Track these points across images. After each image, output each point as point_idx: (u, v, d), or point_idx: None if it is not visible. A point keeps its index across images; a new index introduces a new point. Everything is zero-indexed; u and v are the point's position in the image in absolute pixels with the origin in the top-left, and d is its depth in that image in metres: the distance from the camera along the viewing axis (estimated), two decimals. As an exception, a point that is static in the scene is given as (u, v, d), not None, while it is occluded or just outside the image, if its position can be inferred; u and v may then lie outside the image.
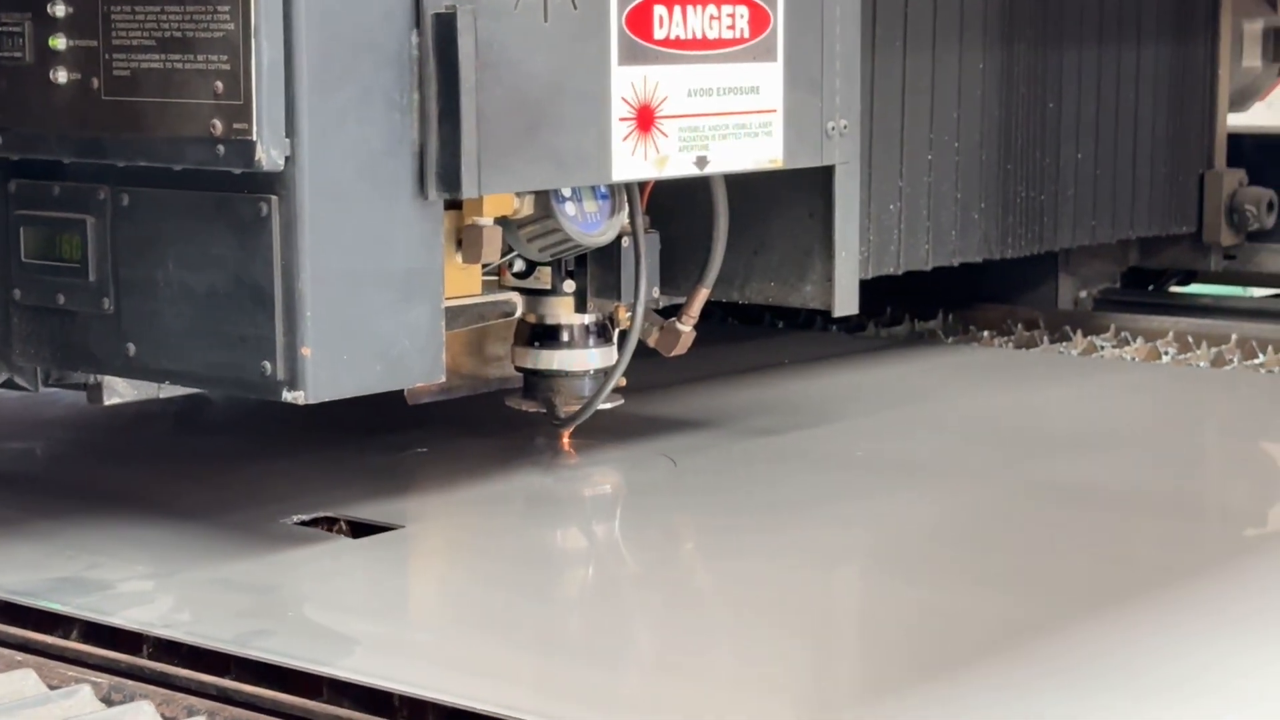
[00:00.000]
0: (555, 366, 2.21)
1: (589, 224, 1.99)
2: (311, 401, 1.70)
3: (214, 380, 1.77)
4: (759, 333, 3.21)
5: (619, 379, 2.14)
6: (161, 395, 2.05)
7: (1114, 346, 2.99)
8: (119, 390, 2.01)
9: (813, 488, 2.08)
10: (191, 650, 1.49)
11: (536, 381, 2.23)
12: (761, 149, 2.05)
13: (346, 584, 1.72)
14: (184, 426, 2.50)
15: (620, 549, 1.94)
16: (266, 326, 1.70)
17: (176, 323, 1.76)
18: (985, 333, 3.12)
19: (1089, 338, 3.01)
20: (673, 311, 2.27)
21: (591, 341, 2.22)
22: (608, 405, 2.21)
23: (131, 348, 1.80)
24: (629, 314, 2.20)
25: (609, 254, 2.16)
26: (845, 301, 2.25)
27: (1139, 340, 3.01)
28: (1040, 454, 2.25)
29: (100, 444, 2.43)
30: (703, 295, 2.22)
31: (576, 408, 2.20)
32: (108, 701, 1.39)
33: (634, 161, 1.85)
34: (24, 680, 1.40)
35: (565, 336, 2.21)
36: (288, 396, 1.70)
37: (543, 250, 2.01)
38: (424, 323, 1.78)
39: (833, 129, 2.15)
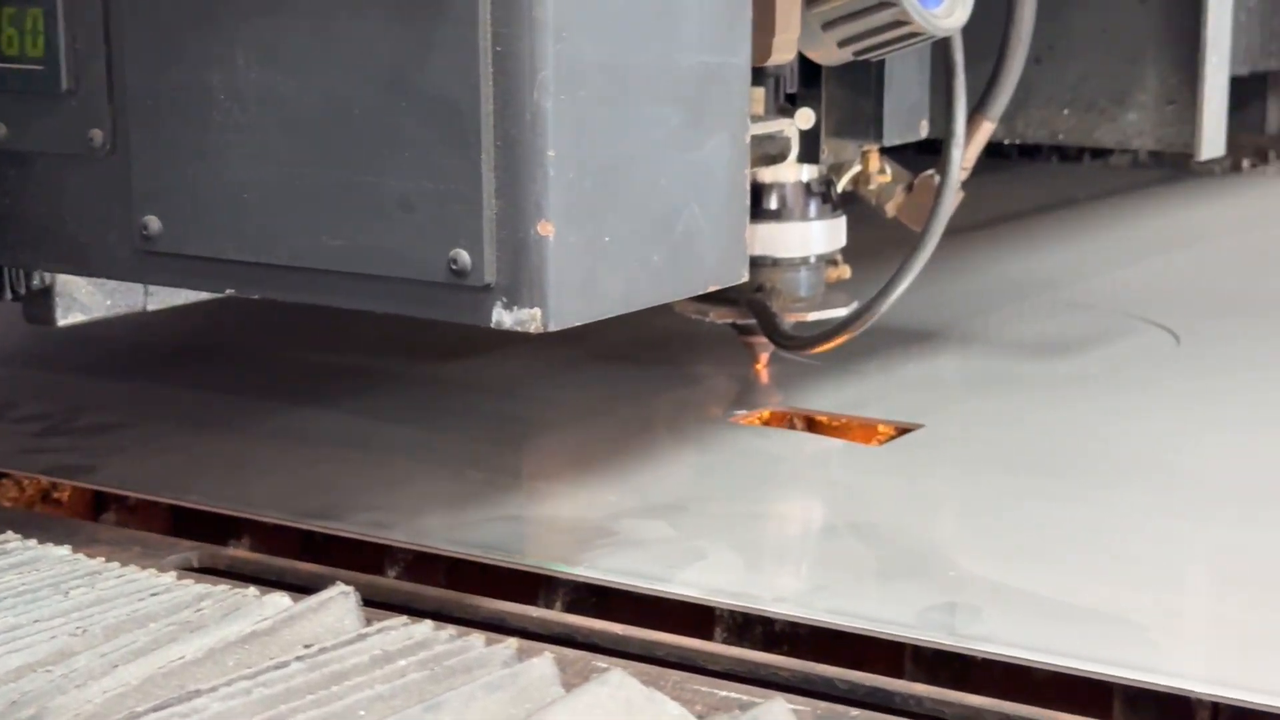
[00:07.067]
0: (761, 250, 1.37)
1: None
2: (552, 328, 0.85)
3: (334, 286, 0.89)
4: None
5: (912, 276, 1.28)
6: (149, 308, 1.18)
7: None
8: (81, 301, 1.13)
9: None
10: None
11: (727, 275, 1.39)
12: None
13: (938, 509, 1.17)
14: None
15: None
16: (462, 178, 0.84)
17: (253, 173, 0.89)
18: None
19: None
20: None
21: (813, 210, 1.39)
22: (842, 311, 1.38)
23: (152, 223, 0.93)
24: (881, 165, 1.37)
25: (853, 73, 1.33)
26: (1213, 137, 1.42)
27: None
28: None
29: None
30: (985, 132, 1.38)
31: (802, 316, 1.37)
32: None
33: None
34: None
35: (775, 201, 1.37)
36: (504, 319, 0.84)
37: (849, 42, 1.15)
38: (721, 170, 0.94)
39: None
